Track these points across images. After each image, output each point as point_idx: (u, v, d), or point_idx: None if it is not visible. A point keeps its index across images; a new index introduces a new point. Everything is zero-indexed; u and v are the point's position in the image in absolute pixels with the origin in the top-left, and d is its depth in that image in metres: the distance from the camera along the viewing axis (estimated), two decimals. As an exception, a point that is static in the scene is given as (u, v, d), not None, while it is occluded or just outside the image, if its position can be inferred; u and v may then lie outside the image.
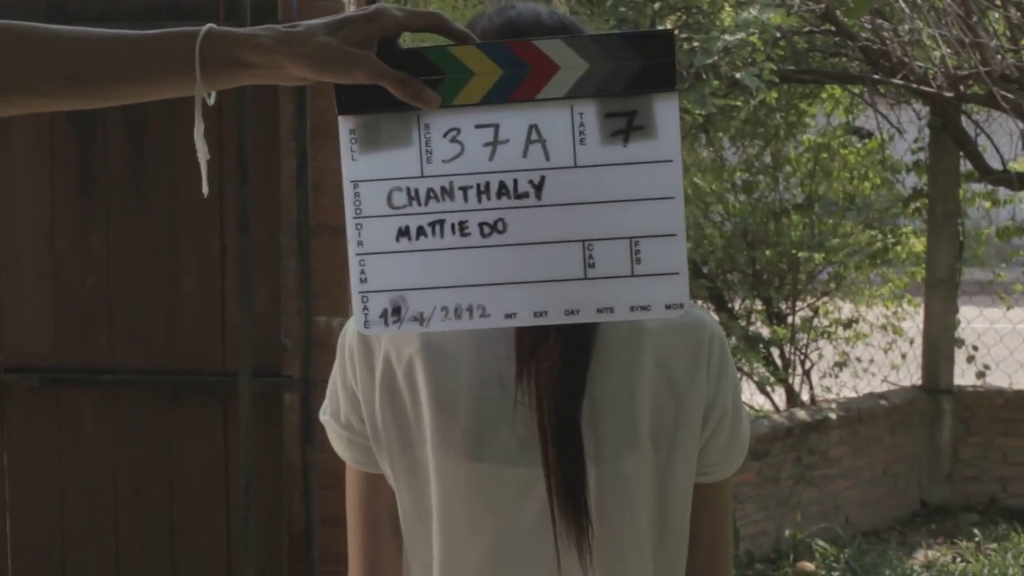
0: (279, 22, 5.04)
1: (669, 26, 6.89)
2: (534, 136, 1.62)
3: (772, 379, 8.36)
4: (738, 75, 6.06)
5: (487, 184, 1.62)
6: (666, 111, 1.60)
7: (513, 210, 1.62)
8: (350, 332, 1.92)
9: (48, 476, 5.33)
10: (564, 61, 1.61)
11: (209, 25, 1.62)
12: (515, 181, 1.62)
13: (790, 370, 8.49)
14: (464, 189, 1.62)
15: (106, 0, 5.15)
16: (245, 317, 5.05)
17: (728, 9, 6.51)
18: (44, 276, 5.27)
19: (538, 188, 1.62)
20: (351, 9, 5.33)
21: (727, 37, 5.97)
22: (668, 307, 1.63)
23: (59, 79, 1.63)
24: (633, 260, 1.62)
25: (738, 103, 7.32)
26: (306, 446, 5.26)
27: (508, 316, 1.64)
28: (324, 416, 1.99)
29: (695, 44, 6.49)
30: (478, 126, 1.62)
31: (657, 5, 6.62)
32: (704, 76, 6.18)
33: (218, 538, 5.28)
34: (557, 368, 1.77)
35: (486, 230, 1.62)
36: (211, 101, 1.62)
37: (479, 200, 1.62)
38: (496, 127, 1.62)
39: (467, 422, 1.81)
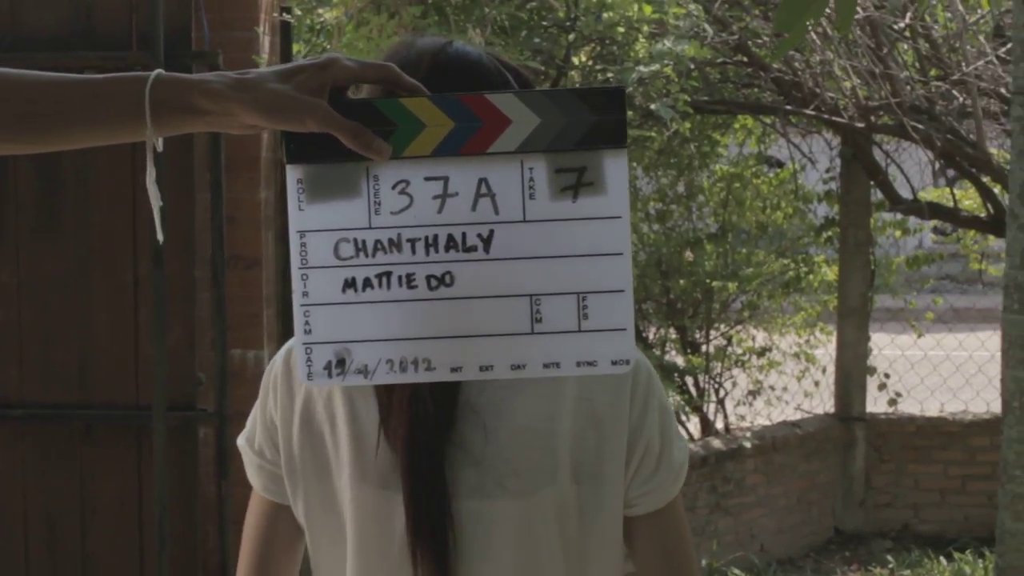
0: (191, 51, 5.02)
1: (584, 57, 6.91)
2: (484, 190, 1.61)
3: (687, 408, 8.38)
4: (653, 106, 6.08)
5: (435, 237, 1.61)
6: (616, 168, 1.60)
7: (461, 263, 1.61)
8: (278, 361, 1.94)
9: (-43, 513, 5.24)
10: (516, 115, 1.61)
11: (158, 70, 1.60)
12: (463, 234, 1.61)
13: (704, 399, 8.52)
14: (412, 241, 1.61)
15: (18, 29, 5.09)
16: (159, 351, 5.00)
17: (642, 40, 6.54)
18: (-47, 310, 5.19)
19: (486, 242, 1.61)
20: (265, 40, 5.31)
21: (642, 68, 5.99)
22: (615, 363, 1.63)
23: (8, 123, 1.60)
24: (580, 315, 1.61)
25: (652, 134, 7.35)
26: (221, 480, 5.21)
27: (454, 370, 1.63)
28: (240, 441, 2.00)
29: (609, 75, 6.51)
30: (428, 178, 1.61)
31: (572, 36, 6.63)
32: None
33: (132, 574, 5.21)
34: (408, 402, 1.78)
35: (433, 283, 1.61)
36: (160, 147, 1.60)
37: (427, 253, 1.61)
38: (446, 180, 1.61)
39: (382, 453, 1.82)
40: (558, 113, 1.61)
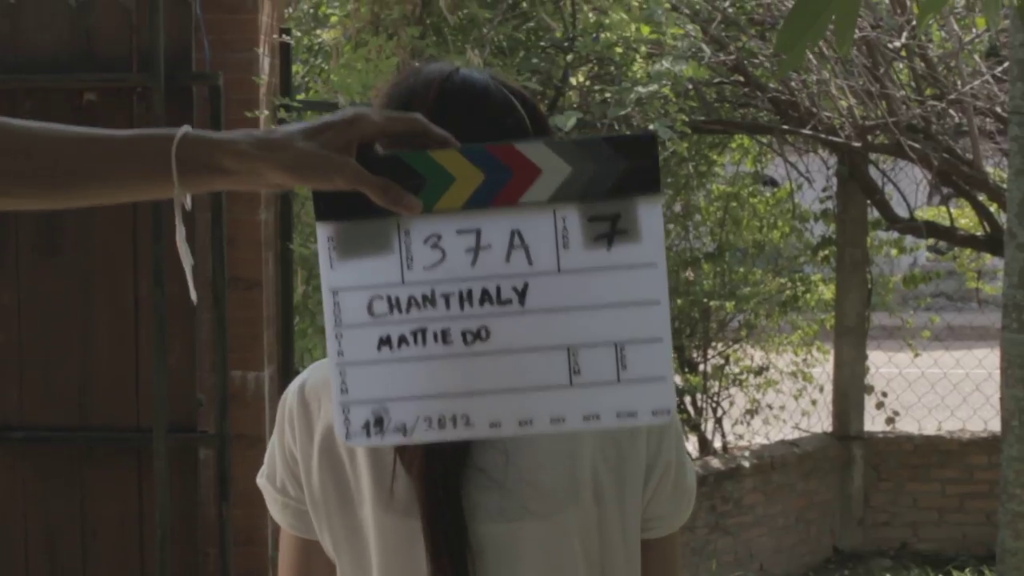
0: (192, 72, 5.03)
1: (581, 77, 6.93)
2: (516, 241, 1.59)
3: (685, 427, 8.39)
4: (651, 126, 6.09)
5: (469, 291, 1.59)
6: (650, 214, 1.58)
7: (496, 317, 1.59)
8: (291, 394, 1.92)
9: (-43, 536, 5.23)
10: (546, 165, 1.59)
11: (185, 128, 1.58)
12: (498, 288, 1.59)
13: (702, 418, 8.53)
14: (446, 296, 1.59)
15: (19, 51, 5.09)
16: (159, 372, 5.00)
17: (640, 61, 6.55)
18: (-47, 332, 5.19)
19: (521, 294, 1.59)
20: (265, 61, 5.32)
21: (640, 89, 6.00)
22: (655, 413, 1.60)
23: (32, 178, 1.59)
24: (619, 366, 1.59)
25: (650, 154, 7.35)
26: (222, 502, 5.20)
27: (492, 426, 1.61)
28: (260, 479, 1.98)
29: (607, 95, 6.53)
30: (460, 231, 1.59)
31: (570, 57, 6.65)
32: (616, 127, 6.22)
33: (133, 597, 5.20)
34: (433, 454, 1.77)
35: (469, 338, 1.59)
36: (188, 205, 1.59)
37: (461, 307, 1.59)
38: (478, 232, 1.59)
39: (401, 482, 1.81)
40: (589, 161, 1.58)
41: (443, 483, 1.77)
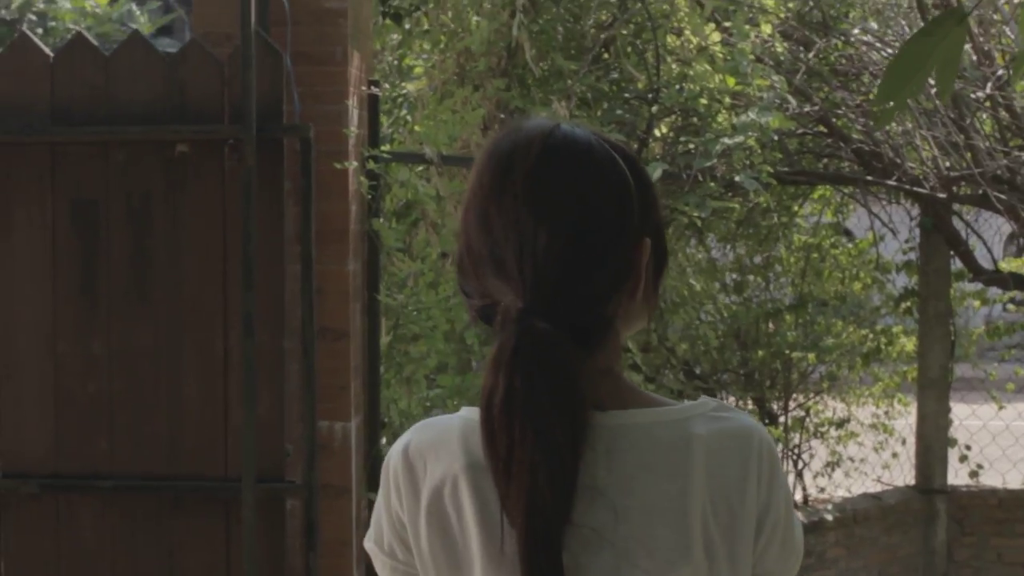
0: (283, 124, 5.07)
1: (665, 129, 6.94)
2: None
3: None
4: (737, 177, 6.08)
5: None
6: None
7: None
8: (395, 457, 1.90)
9: (47, 583, 5.26)
10: None
11: None
12: None
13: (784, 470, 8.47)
14: None
15: (112, 103, 5.15)
16: (249, 422, 5.02)
17: (724, 112, 6.56)
18: (44, 380, 5.23)
19: None
20: (354, 113, 5.35)
21: (727, 140, 6.00)
22: None
23: None
24: None
25: (734, 204, 7.35)
26: (309, 552, 5.21)
27: None
28: (368, 543, 1.97)
29: (691, 147, 6.53)
30: None
31: (654, 108, 6.66)
32: (701, 179, 6.21)
33: (220, 646, 5.21)
34: (538, 496, 1.73)
35: None
36: None
37: None
38: None
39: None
40: None
41: (544, 541, 1.74)
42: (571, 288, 1.79)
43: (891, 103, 2.72)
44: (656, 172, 5.76)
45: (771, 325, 8.22)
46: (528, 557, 1.74)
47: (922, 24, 7.07)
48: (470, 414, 1.85)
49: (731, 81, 6.33)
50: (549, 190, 1.80)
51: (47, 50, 5.24)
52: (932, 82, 2.65)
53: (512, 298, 1.78)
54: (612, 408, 1.81)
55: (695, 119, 6.66)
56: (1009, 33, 7.37)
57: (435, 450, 1.85)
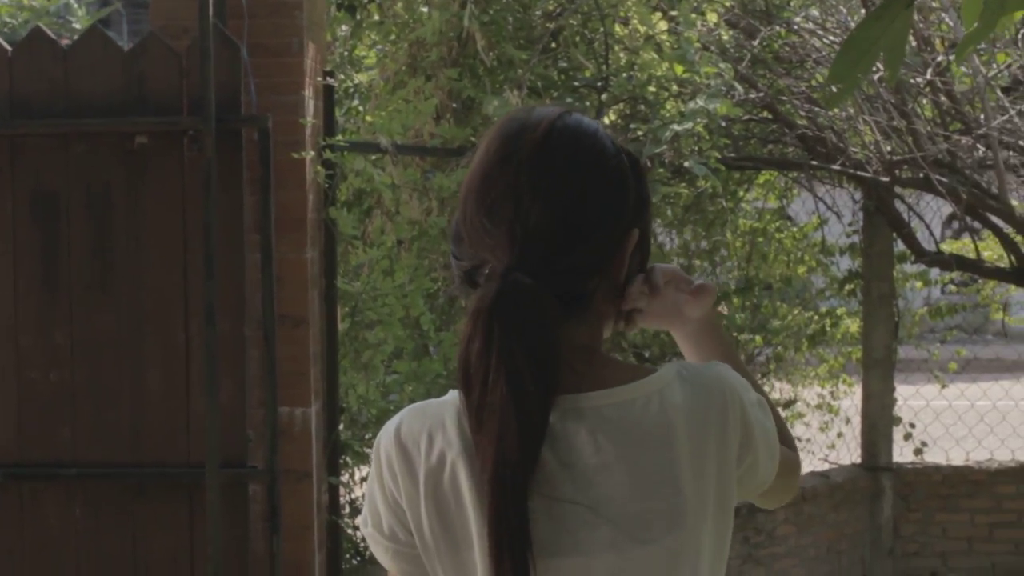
0: (241, 115, 5.14)
1: (614, 116, 7.04)
2: None
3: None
4: (687, 163, 6.19)
5: None
6: None
7: None
8: (385, 439, 1.92)
9: (11, 572, 5.31)
10: None
11: None
12: None
13: (732, 451, 8.58)
14: None
15: (72, 96, 5.21)
16: (211, 409, 5.09)
17: (672, 100, 6.66)
18: (7, 370, 5.29)
19: None
20: (310, 104, 5.43)
21: (675, 126, 6.10)
22: None
23: None
24: None
25: (682, 190, 7.46)
26: (272, 536, 5.29)
27: None
28: (366, 528, 1.97)
29: (640, 134, 6.63)
30: None
31: (604, 96, 6.76)
32: (650, 165, 6.32)
33: (186, 630, 5.28)
34: (492, 466, 1.77)
35: None
36: None
37: None
38: None
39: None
40: None
41: (510, 485, 1.78)
42: (556, 258, 1.85)
43: (841, 86, 2.83)
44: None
45: (723, 307, 8.34)
46: (495, 502, 1.77)
47: (863, 11, 7.20)
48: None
49: (678, 69, 6.44)
50: (551, 164, 1.87)
51: (5, 44, 5.29)
52: (877, 67, 2.76)
53: (499, 261, 1.84)
54: (593, 388, 1.87)
55: (643, 107, 6.76)
56: (948, 20, 7.51)
57: (429, 433, 1.88)
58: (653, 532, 1.85)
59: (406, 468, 1.88)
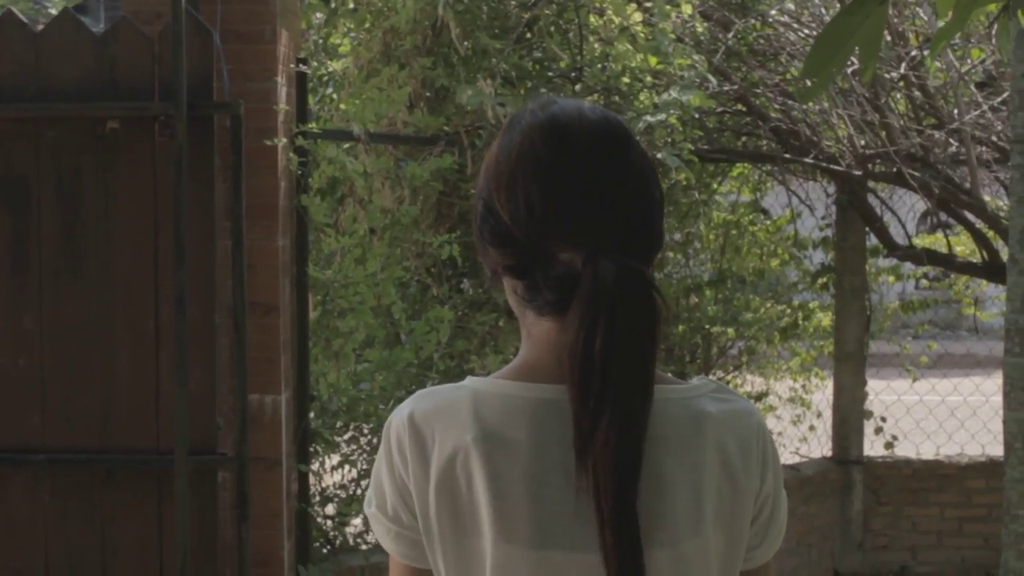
0: (213, 101, 5.13)
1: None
2: None
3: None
4: (659, 155, 6.20)
5: None
6: None
7: None
8: (396, 422, 1.92)
9: (-21, 557, 5.30)
10: None
11: None
12: None
13: (704, 443, 8.59)
14: None
15: (42, 79, 5.18)
16: (180, 396, 5.08)
17: (645, 91, 6.67)
18: (-25, 356, 5.26)
19: None
20: (282, 91, 5.41)
21: (648, 118, 6.11)
22: None
23: None
24: None
25: (655, 181, 7.46)
26: (241, 523, 5.28)
27: None
28: (370, 509, 1.97)
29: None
30: None
31: (578, 87, 6.76)
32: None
33: (153, 617, 5.27)
34: (613, 451, 1.78)
35: None
36: None
37: None
38: None
39: (530, 511, 1.83)
40: None
41: (624, 502, 1.80)
42: (631, 242, 1.88)
43: (816, 80, 2.83)
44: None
45: (691, 300, 8.36)
46: (614, 512, 1.78)
47: (838, 5, 7.22)
48: (479, 384, 1.90)
49: (653, 60, 6.45)
50: (609, 157, 1.91)
51: (-24, 28, 5.26)
52: (852, 61, 2.77)
53: (583, 247, 1.85)
54: None
55: (617, 98, 6.77)
56: (923, 14, 7.53)
57: (443, 419, 1.88)
58: (671, 534, 1.85)
59: (418, 452, 1.89)
